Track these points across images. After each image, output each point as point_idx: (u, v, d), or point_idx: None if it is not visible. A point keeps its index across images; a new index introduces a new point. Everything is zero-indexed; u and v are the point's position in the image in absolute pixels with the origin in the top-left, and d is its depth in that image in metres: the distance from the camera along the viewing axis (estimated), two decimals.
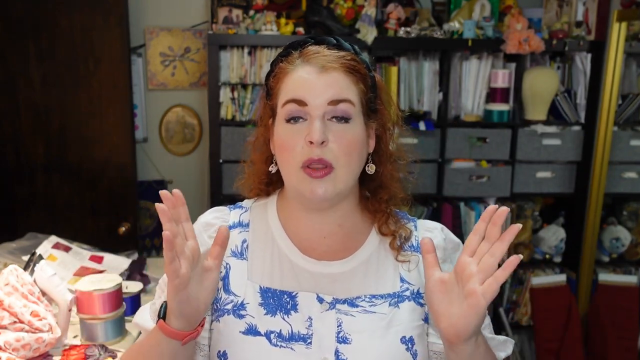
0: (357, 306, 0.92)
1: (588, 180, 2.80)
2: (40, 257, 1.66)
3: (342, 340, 0.90)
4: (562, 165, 2.85)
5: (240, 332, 0.92)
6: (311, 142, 0.88)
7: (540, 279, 2.78)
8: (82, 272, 1.97)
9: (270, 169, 0.99)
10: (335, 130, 0.90)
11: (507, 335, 2.84)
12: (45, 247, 2.00)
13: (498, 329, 2.96)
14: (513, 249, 2.85)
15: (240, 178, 1.06)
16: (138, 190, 2.77)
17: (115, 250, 2.23)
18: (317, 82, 0.90)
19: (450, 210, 2.82)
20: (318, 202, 0.92)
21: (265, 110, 1.00)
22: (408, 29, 2.64)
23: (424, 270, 0.88)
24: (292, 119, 0.91)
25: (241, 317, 0.92)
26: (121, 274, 1.98)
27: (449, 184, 2.76)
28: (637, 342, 2.76)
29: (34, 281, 1.51)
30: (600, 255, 2.95)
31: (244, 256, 0.97)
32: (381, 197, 0.98)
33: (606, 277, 2.82)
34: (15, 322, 1.42)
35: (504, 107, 2.73)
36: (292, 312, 0.92)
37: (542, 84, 2.69)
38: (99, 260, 2.09)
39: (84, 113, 2.60)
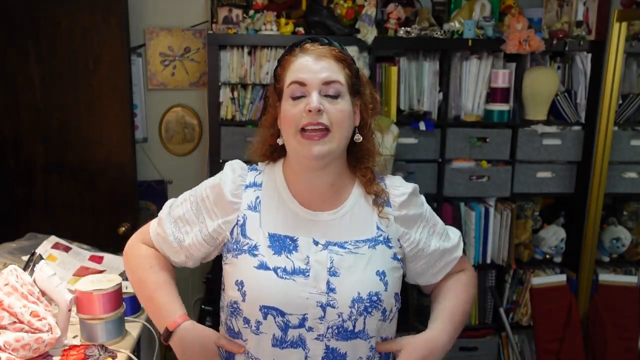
0: (345, 248, 1.18)
1: (588, 180, 2.80)
2: (40, 257, 1.66)
3: (333, 273, 1.15)
4: (562, 165, 2.84)
5: (254, 267, 1.16)
6: (309, 111, 1.12)
7: (541, 279, 2.77)
8: (82, 272, 1.97)
9: (278, 141, 1.23)
10: (329, 104, 1.14)
11: (507, 335, 2.84)
12: (45, 247, 2.00)
13: (498, 328, 2.96)
14: (513, 249, 2.85)
15: (251, 146, 1.32)
16: (138, 190, 2.77)
17: (115, 250, 2.22)
18: (314, 66, 1.15)
19: (450, 211, 2.81)
20: (314, 160, 1.15)
21: (273, 95, 1.24)
22: (408, 29, 2.64)
23: None
24: (295, 97, 1.15)
25: (254, 255, 1.17)
26: (121, 274, 1.97)
27: (449, 184, 2.75)
28: (637, 342, 2.75)
29: (34, 281, 1.51)
30: (600, 255, 2.94)
31: (257, 209, 1.22)
32: (366, 163, 1.24)
33: (606, 277, 2.81)
34: (15, 322, 1.42)
35: (504, 107, 2.73)
36: (294, 252, 1.17)
37: (542, 84, 2.69)
38: (99, 260, 2.09)
39: (84, 113, 2.59)
